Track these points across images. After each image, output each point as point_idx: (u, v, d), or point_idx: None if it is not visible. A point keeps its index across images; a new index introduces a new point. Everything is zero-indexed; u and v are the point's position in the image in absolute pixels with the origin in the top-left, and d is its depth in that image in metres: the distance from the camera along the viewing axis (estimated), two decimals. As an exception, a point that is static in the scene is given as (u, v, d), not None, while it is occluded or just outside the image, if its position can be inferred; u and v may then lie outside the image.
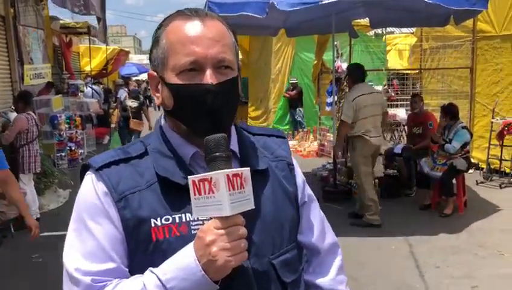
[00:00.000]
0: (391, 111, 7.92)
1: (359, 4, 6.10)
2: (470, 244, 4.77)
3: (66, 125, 8.96)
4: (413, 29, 11.53)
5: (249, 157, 1.02)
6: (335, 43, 8.84)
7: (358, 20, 8.82)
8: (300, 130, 11.60)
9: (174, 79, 0.95)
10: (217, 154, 0.86)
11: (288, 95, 12.11)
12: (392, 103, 9.79)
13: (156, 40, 0.99)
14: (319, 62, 9.42)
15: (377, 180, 6.19)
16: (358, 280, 4.05)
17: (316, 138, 10.37)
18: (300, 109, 11.96)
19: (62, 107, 9.22)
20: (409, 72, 12.46)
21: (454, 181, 5.80)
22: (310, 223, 1.14)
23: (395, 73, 13.42)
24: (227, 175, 0.82)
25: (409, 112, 7.47)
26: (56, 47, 13.52)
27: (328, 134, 9.95)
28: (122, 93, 9.31)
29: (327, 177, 7.18)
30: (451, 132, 5.72)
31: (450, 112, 5.79)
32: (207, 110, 0.93)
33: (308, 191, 1.16)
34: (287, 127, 12.62)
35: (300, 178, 1.12)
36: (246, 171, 0.85)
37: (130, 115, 8.24)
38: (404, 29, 18.07)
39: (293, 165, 1.11)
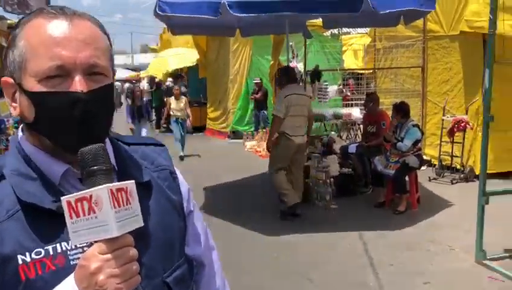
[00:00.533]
0: (346, 110, 8.01)
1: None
2: (422, 240, 4.85)
3: (15, 130, 8.54)
4: (368, 30, 11.74)
5: (129, 169, 0.92)
6: (290, 43, 8.91)
7: (314, 21, 8.90)
8: (260, 130, 11.57)
9: (35, 86, 0.82)
10: (96, 167, 0.74)
11: (253, 98, 12.03)
12: (348, 102, 9.93)
13: (12, 41, 0.85)
14: (275, 62, 9.42)
15: (332, 179, 6.22)
16: (313, 280, 4.03)
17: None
18: (265, 111, 11.88)
19: (9, 111, 8.77)
20: (363, 72, 12.67)
21: (407, 178, 5.91)
22: (196, 234, 1.07)
23: (351, 73, 13.64)
24: (111, 190, 0.71)
25: (364, 111, 7.59)
26: (4, 48, 12.93)
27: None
28: None
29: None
30: (402, 130, 5.82)
31: (401, 110, 5.90)
32: (77, 122, 0.81)
33: (193, 199, 1.08)
34: (247, 127, 12.58)
35: (184, 186, 1.04)
36: (131, 184, 0.75)
37: None
38: (360, 30, 18.50)
39: (175, 173, 1.03)
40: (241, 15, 4.65)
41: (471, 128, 7.10)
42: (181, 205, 1.01)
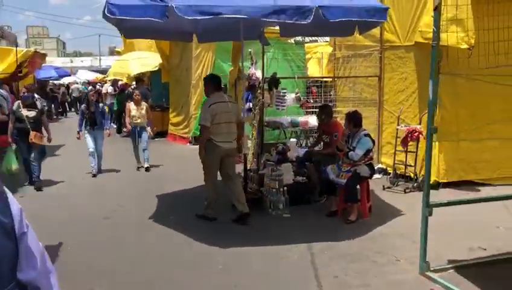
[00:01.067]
0: (303, 118, 7.99)
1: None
2: (370, 251, 4.83)
3: None
4: (328, 39, 11.83)
5: None
6: (249, 50, 8.85)
7: (276, 28, 8.88)
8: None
9: None
10: None
11: None
12: (307, 110, 9.92)
13: None
14: (235, 68, 9.33)
15: (285, 188, 6.16)
16: (256, 294, 3.93)
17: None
18: None
19: None
20: (327, 79, 12.75)
21: (358, 187, 5.91)
22: (29, 257, 0.99)
23: (314, 80, 13.70)
24: None
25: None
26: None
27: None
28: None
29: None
30: (354, 139, 5.82)
31: (353, 119, 5.91)
32: None
33: (25, 220, 1.00)
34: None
35: (15, 206, 0.96)
36: None
37: (29, 126, 7.23)
38: (325, 38, 18.68)
39: (5, 193, 0.95)
40: (189, 17, 4.54)
41: (424, 138, 7.17)
42: (12, 228, 0.93)
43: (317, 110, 9.92)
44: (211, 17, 4.60)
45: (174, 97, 13.92)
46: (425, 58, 7.39)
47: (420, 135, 7.08)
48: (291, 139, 9.29)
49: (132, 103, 9.36)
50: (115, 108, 15.82)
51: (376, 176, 8.18)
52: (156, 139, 13.93)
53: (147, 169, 9.21)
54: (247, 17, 4.61)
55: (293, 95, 8.10)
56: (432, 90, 4.07)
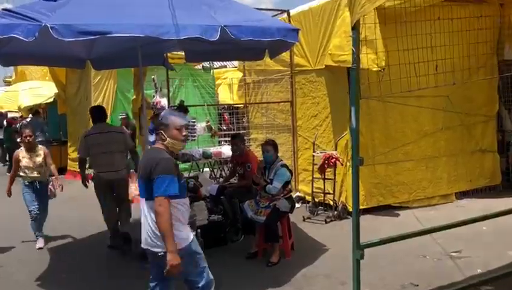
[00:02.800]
0: (215, 149, 7.40)
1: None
2: (295, 298, 4.27)
3: None
4: (237, 64, 11.47)
5: None
6: (152, 76, 8.12)
7: (179, 53, 8.27)
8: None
9: None
10: None
11: None
12: (220, 139, 9.38)
13: None
14: (138, 97, 8.51)
15: (199, 231, 5.46)
16: None
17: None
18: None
19: None
20: (239, 105, 12.35)
21: (279, 224, 5.38)
22: None
23: (225, 107, 13.25)
24: None
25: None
26: None
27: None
28: None
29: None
30: (271, 171, 5.32)
31: (275, 147, 5.42)
32: None
33: None
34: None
35: None
36: None
37: None
38: (234, 63, 18.47)
39: None
40: (68, 39, 3.75)
41: (342, 164, 6.91)
42: None
43: (228, 139, 9.51)
44: (96, 37, 3.85)
45: (72, 129, 12.66)
46: (336, 81, 7.23)
47: (337, 161, 6.78)
48: (205, 169, 8.65)
49: (21, 148, 6.34)
50: (5, 145, 14.08)
51: (296, 205, 7.80)
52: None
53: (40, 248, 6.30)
54: (142, 36, 3.92)
55: (203, 124, 7.49)
56: (354, 117, 3.64)
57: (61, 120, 13.44)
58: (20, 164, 6.19)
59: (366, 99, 7.09)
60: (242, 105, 11.00)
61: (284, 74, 8.39)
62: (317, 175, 7.24)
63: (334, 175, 6.97)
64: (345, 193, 7.11)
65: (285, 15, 8.08)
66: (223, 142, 9.92)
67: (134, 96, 8.53)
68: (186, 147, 7.72)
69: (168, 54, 7.47)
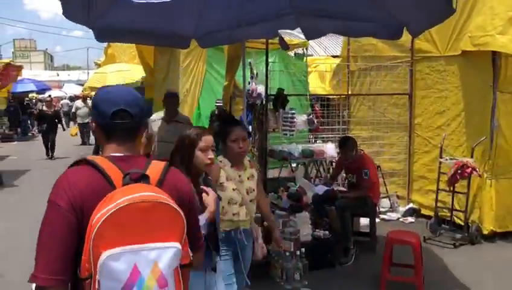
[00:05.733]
0: (318, 147, 6.27)
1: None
2: None
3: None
4: (340, 50, 10.24)
5: None
6: (248, 60, 7.16)
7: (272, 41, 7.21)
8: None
9: None
10: None
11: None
12: (317, 134, 8.25)
13: None
14: (230, 83, 7.65)
15: (303, 250, 4.41)
16: None
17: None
18: None
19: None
20: (333, 97, 11.12)
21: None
22: None
23: (316, 97, 12.07)
24: None
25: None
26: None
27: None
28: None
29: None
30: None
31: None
32: None
33: None
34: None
35: None
36: None
37: None
38: (328, 52, 17.20)
39: None
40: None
41: (479, 176, 5.51)
42: None
43: (326, 134, 8.31)
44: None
45: (158, 116, 12.16)
46: (475, 71, 5.81)
47: (474, 172, 5.40)
48: (299, 168, 7.54)
49: None
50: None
51: (409, 219, 6.53)
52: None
53: None
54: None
55: (304, 117, 6.39)
56: None
57: (147, 106, 13.05)
58: None
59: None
60: (337, 96, 9.78)
61: (401, 60, 7.06)
62: (443, 186, 5.90)
63: (468, 189, 5.59)
64: (478, 211, 5.71)
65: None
66: (312, 139, 8.77)
67: (227, 82, 7.67)
68: (284, 142, 6.73)
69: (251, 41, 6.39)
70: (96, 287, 1.26)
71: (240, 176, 3.03)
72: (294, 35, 11.12)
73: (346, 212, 4.92)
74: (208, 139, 2.55)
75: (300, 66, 11.70)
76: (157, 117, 5.51)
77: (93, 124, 1.58)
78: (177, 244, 1.33)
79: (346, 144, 5.10)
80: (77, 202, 1.37)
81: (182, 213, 1.36)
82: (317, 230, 4.92)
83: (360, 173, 4.99)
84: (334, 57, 15.83)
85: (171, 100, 5.57)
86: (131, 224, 1.28)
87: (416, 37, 4.59)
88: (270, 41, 7.52)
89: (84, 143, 15.45)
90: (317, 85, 13.75)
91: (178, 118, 5.50)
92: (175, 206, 1.35)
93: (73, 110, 15.65)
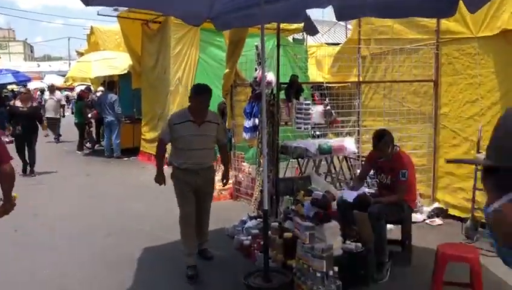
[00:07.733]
0: (336, 142, 5.54)
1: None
2: None
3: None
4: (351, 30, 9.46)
5: None
6: (255, 44, 6.37)
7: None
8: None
9: None
10: None
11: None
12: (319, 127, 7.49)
13: None
14: (231, 71, 6.84)
15: (336, 269, 3.68)
16: None
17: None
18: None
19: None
20: (336, 85, 10.37)
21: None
22: None
23: (315, 86, 11.31)
24: None
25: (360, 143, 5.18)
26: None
27: (244, 164, 7.40)
28: None
29: (249, 250, 4.61)
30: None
31: None
32: None
33: None
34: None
35: None
36: None
37: None
38: (323, 39, 16.44)
39: None
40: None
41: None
42: None
43: (342, 128, 7.46)
44: None
45: (147, 107, 11.30)
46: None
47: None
48: (309, 165, 6.81)
49: None
50: (76, 120, 13.07)
51: (436, 220, 5.88)
52: (125, 159, 11.36)
53: None
54: None
55: (320, 108, 5.64)
56: None
57: (134, 95, 12.16)
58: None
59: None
60: (340, 85, 9.03)
61: (424, 44, 6.33)
62: (480, 186, 5.22)
63: (511, 188, 4.92)
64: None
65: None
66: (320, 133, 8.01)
67: (228, 70, 6.86)
68: (300, 138, 5.99)
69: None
70: None
71: None
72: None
73: (381, 221, 4.19)
74: None
75: (299, 52, 10.95)
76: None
77: None
78: None
79: (382, 138, 4.32)
80: None
81: None
82: (347, 242, 4.19)
83: (397, 173, 4.25)
84: (329, 45, 15.16)
85: (203, 98, 4.27)
86: None
87: (475, 12, 3.80)
88: (267, 26, 6.66)
89: (58, 140, 14.48)
90: (315, 72, 13.01)
91: (209, 117, 4.37)
92: None
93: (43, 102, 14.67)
